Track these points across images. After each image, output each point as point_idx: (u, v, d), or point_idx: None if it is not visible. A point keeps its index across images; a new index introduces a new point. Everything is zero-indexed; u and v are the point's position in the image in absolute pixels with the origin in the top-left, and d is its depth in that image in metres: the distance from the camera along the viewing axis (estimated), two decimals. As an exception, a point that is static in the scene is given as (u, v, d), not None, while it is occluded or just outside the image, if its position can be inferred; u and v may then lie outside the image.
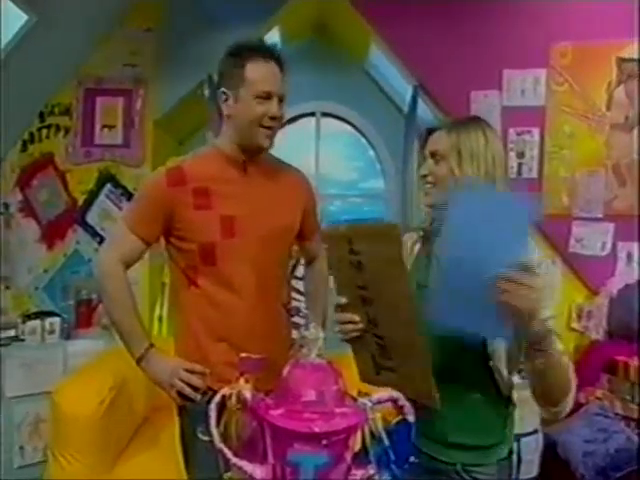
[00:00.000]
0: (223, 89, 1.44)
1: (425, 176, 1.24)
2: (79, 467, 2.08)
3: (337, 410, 0.83)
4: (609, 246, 3.22)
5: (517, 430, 2.57)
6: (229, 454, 0.87)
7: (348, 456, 0.84)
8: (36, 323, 2.86)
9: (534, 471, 2.77)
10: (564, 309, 3.30)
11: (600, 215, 3.20)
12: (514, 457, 2.54)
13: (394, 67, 3.38)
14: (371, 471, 0.88)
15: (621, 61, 3.07)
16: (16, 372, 2.69)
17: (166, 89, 3.36)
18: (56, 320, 2.94)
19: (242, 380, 0.92)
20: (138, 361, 1.38)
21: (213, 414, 0.88)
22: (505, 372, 1.18)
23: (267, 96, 1.38)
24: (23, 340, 2.82)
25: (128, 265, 1.43)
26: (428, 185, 1.24)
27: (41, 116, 3.44)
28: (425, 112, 3.45)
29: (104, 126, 3.39)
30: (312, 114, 4.06)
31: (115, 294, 1.40)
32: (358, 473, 0.88)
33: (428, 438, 1.19)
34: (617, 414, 2.80)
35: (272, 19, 3.29)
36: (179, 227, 1.41)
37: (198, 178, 1.41)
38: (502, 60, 3.16)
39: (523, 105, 3.19)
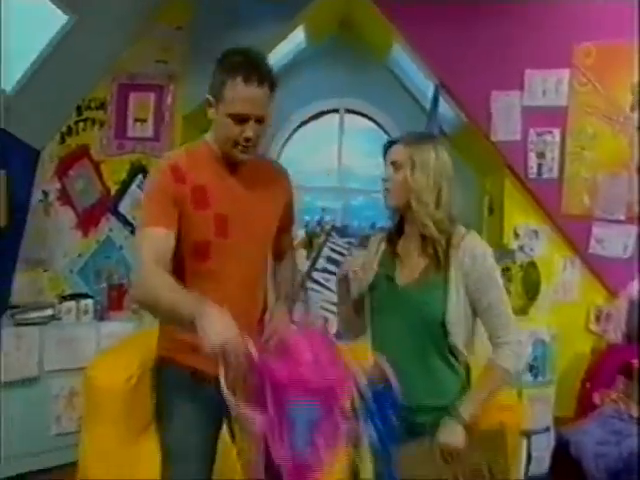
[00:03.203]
0: (208, 95, 1.45)
1: (385, 181, 1.45)
2: (108, 435, 2.23)
3: (329, 370, 0.96)
4: (630, 249, 3.22)
5: (528, 427, 2.66)
6: (236, 402, 0.99)
7: (337, 411, 0.97)
8: (72, 304, 3.07)
9: (545, 467, 2.81)
10: (582, 310, 3.32)
11: (622, 217, 3.21)
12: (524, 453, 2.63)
13: (416, 66, 3.44)
14: (358, 426, 1.02)
15: (649, 62, 3.05)
16: (54, 348, 2.90)
17: (195, 85, 3.49)
18: (90, 302, 3.15)
19: (249, 342, 1.06)
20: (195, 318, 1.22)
21: (222, 369, 1.01)
22: (461, 346, 1.39)
23: (242, 119, 1.37)
24: (60, 319, 3.02)
25: (165, 262, 1.35)
26: (387, 189, 1.44)
27: (78, 110, 3.63)
28: (446, 110, 3.50)
29: (136, 120, 3.56)
30: (336, 110, 4.16)
31: (161, 283, 1.29)
32: (346, 427, 1.00)
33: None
34: (632, 417, 2.80)
35: (297, 17, 3.39)
36: (181, 224, 1.42)
37: (196, 177, 1.43)
38: (523, 60, 3.19)
39: (544, 105, 3.22)
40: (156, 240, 1.35)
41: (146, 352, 2.38)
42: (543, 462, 2.79)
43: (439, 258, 1.37)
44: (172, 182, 1.40)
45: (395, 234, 1.49)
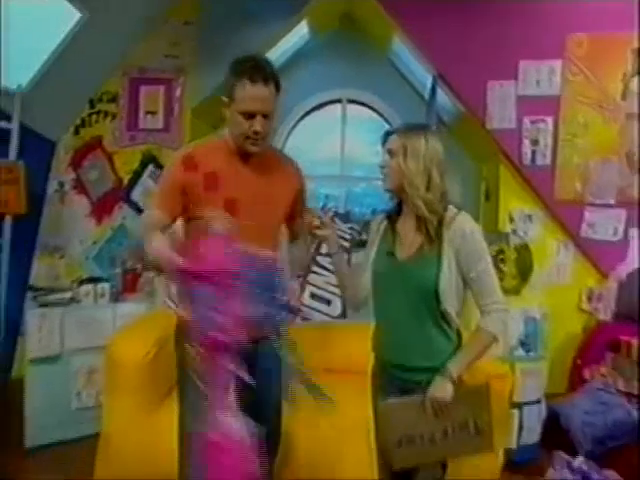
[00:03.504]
0: (223, 96, 1.65)
1: (382, 167, 1.61)
2: (128, 406, 2.41)
3: (229, 260, 1.29)
4: (621, 232, 3.35)
5: (520, 399, 2.82)
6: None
7: (238, 295, 1.27)
8: (89, 287, 3.23)
9: (535, 438, 2.95)
10: (575, 291, 3.46)
11: (612, 202, 3.33)
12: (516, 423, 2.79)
13: (415, 58, 3.55)
14: (262, 309, 1.27)
15: (638, 52, 3.15)
16: (74, 328, 3.05)
17: (203, 78, 3.62)
18: (106, 285, 3.31)
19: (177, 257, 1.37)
20: None
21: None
22: (453, 314, 1.55)
23: (251, 115, 1.57)
24: (79, 301, 3.18)
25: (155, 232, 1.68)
26: (384, 174, 1.61)
27: (91, 103, 3.77)
28: (444, 100, 3.62)
29: (147, 112, 3.70)
30: (338, 100, 4.27)
31: (149, 241, 1.58)
32: (249, 309, 1.28)
33: (399, 366, 1.58)
34: (619, 390, 2.96)
35: (301, 12, 3.51)
36: (192, 207, 1.66)
37: (207, 165, 1.64)
38: (518, 51, 3.29)
39: (538, 94, 3.32)
40: (151, 218, 1.69)
41: (160, 329, 2.57)
42: (534, 432, 2.93)
43: (431, 235, 1.53)
44: (182, 172, 1.65)
45: (395, 214, 1.65)
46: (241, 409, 1.61)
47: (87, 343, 3.07)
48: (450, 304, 1.52)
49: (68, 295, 3.18)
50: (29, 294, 3.31)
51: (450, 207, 1.56)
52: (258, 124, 1.58)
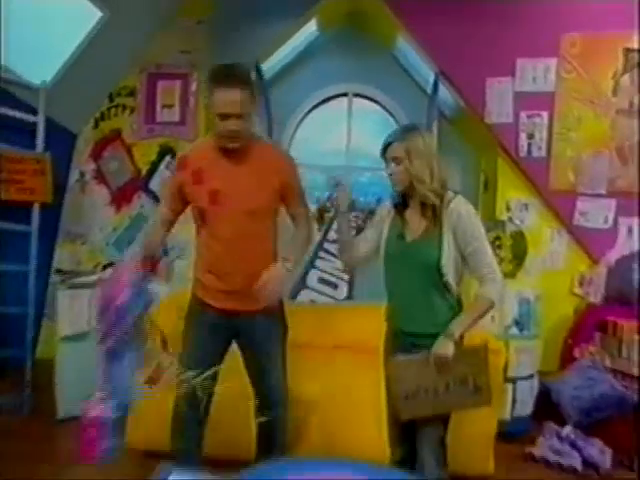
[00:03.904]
0: (207, 101, 1.91)
1: (391, 175, 1.79)
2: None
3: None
4: (611, 220, 3.55)
5: (514, 374, 3.04)
6: None
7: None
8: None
9: (528, 410, 3.18)
10: (568, 276, 3.66)
11: (603, 192, 3.52)
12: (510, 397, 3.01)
13: (418, 55, 3.73)
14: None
15: (627, 51, 3.34)
16: None
17: (217, 74, 3.82)
18: (128, 269, 3.53)
19: None
20: None
21: None
22: (454, 285, 1.76)
23: (226, 116, 1.77)
24: None
25: (164, 226, 2.04)
26: (393, 180, 1.79)
27: (110, 97, 3.97)
28: (446, 95, 3.81)
29: (164, 106, 3.90)
30: (345, 94, 4.43)
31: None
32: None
33: (409, 333, 1.80)
34: (606, 367, 3.16)
35: (311, 10, 3.69)
36: (188, 198, 1.94)
37: (195, 163, 1.90)
38: (515, 49, 3.47)
39: (534, 91, 3.51)
40: (158, 213, 2.09)
41: (180, 310, 2.79)
42: (527, 405, 3.17)
43: (435, 218, 1.75)
44: (177, 172, 1.96)
45: (401, 206, 1.86)
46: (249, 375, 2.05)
47: (113, 322, 3.30)
48: (451, 276, 1.73)
49: (94, 278, 3.39)
50: (57, 277, 3.53)
51: (448, 192, 1.78)
52: (232, 124, 1.79)
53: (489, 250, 1.75)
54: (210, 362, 1.94)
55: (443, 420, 1.79)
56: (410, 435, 1.83)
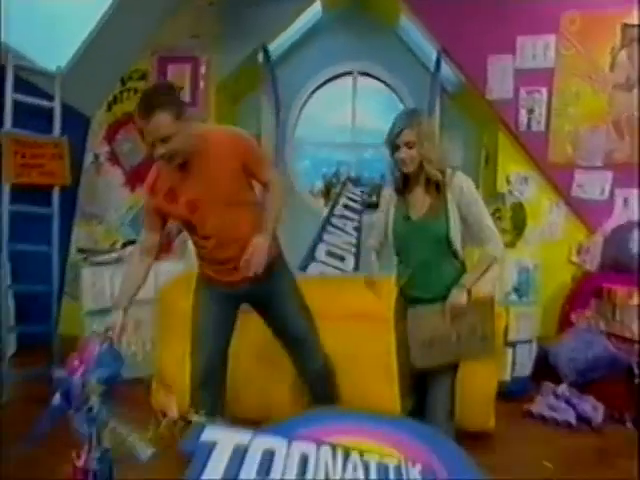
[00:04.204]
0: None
1: (404, 159, 1.88)
2: (176, 346, 2.72)
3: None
4: (607, 192, 3.69)
5: (514, 338, 3.23)
6: None
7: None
8: (132, 248, 3.60)
9: (527, 372, 3.38)
10: (566, 246, 3.83)
11: (600, 164, 3.66)
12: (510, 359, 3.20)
13: (421, 33, 3.82)
14: None
15: (625, 26, 3.43)
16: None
17: (225, 56, 3.92)
18: (146, 247, 3.69)
19: None
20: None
21: None
22: (461, 251, 1.95)
23: (152, 144, 1.80)
24: (125, 261, 3.51)
25: (148, 249, 2.11)
26: (406, 163, 1.89)
27: (122, 81, 4.09)
28: (448, 72, 3.91)
29: (175, 88, 4.01)
30: (350, 73, 4.55)
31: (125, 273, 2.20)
32: None
33: (423, 299, 1.97)
34: (601, 331, 3.35)
35: (315, -9, 3.78)
36: (168, 216, 2.04)
37: (163, 185, 1.97)
38: (516, 27, 3.56)
39: (534, 67, 3.61)
40: (141, 239, 2.15)
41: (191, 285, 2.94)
42: (526, 367, 3.37)
43: (439, 194, 1.91)
44: (150, 199, 2.03)
45: (402, 188, 2.01)
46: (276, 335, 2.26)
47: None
48: (458, 244, 1.92)
49: (115, 255, 3.57)
50: (80, 256, 3.70)
51: (449, 170, 1.93)
52: (159, 149, 1.80)
53: (487, 215, 1.93)
54: (220, 330, 2.16)
55: (452, 376, 1.98)
56: (419, 388, 2.03)
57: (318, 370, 2.29)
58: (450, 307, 1.89)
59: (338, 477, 1.37)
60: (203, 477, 1.35)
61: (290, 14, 3.85)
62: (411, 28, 3.97)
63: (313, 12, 4.06)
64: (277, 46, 4.12)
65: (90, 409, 1.72)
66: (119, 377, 1.80)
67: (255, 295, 2.16)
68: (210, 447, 1.48)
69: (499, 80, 3.65)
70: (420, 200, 1.95)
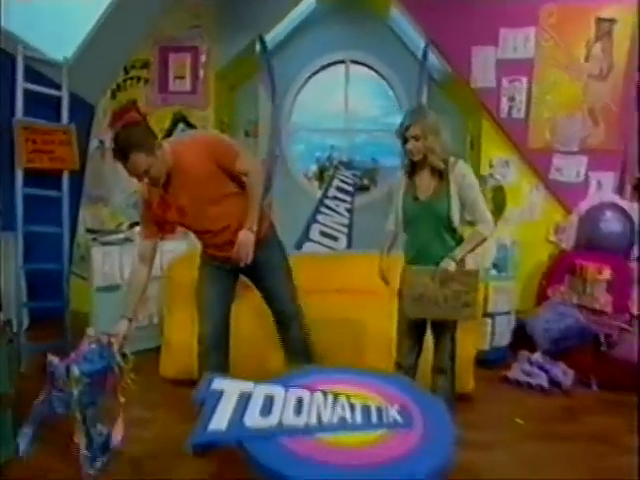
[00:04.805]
0: None
1: (411, 151, 2.19)
2: (183, 317, 3.00)
3: None
4: (583, 175, 3.94)
5: (493, 310, 3.50)
6: None
7: None
8: (139, 228, 3.81)
9: (505, 342, 3.68)
10: (544, 226, 4.08)
11: (576, 149, 3.89)
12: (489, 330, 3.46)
13: (410, 24, 4.01)
14: None
15: (599, 20, 3.64)
16: (129, 262, 3.55)
17: (224, 45, 4.10)
18: (152, 227, 3.89)
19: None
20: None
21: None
22: (459, 228, 2.25)
23: (137, 177, 2.10)
24: (132, 240, 3.75)
25: (146, 256, 2.36)
26: (414, 153, 2.19)
27: (125, 70, 4.27)
28: (435, 62, 4.12)
29: (176, 77, 4.20)
30: (342, 62, 4.73)
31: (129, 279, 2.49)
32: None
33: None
34: (573, 303, 3.60)
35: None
36: (164, 221, 2.31)
37: (155, 197, 2.23)
38: (498, 20, 3.76)
39: (515, 58, 3.82)
40: (140, 247, 2.40)
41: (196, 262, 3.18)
42: (504, 337, 3.65)
43: (442, 180, 2.21)
44: (146, 210, 2.30)
45: (411, 172, 2.29)
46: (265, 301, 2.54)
47: (140, 274, 3.72)
48: (457, 223, 2.22)
49: (122, 236, 3.80)
50: (89, 236, 3.92)
51: (452, 158, 2.23)
52: (142, 180, 2.12)
53: (482, 199, 2.24)
54: (222, 300, 2.46)
55: (452, 329, 2.33)
56: (417, 347, 2.41)
57: (298, 346, 2.56)
58: (439, 272, 2.18)
59: (328, 416, 1.65)
60: (214, 417, 1.63)
61: (286, 6, 4.03)
62: (401, 19, 4.16)
63: (307, 4, 4.23)
64: (273, 36, 4.29)
65: (71, 394, 2.08)
66: (106, 372, 2.16)
67: (250, 267, 2.40)
68: (218, 395, 1.76)
69: (482, 70, 3.86)
70: (426, 183, 2.25)
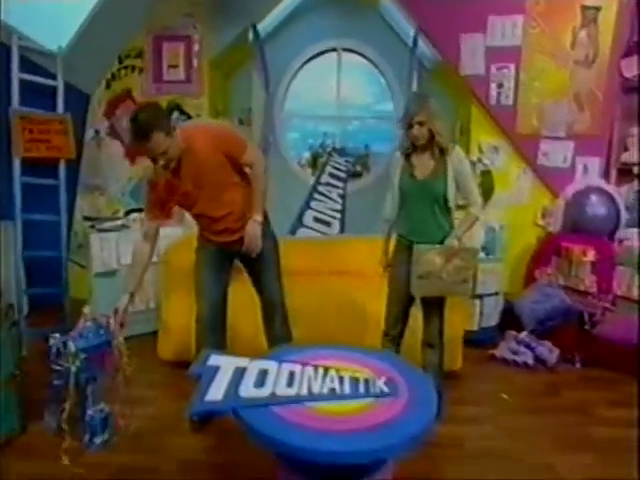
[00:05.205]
0: None
1: (416, 135, 2.32)
2: (180, 300, 3.06)
3: None
4: (569, 159, 4.02)
5: (481, 292, 3.60)
6: None
7: None
8: (136, 215, 3.89)
9: (493, 322, 3.80)
10: (532, 210, 4.17)
11: (563, 135, 3.97)
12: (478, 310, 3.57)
13: (400, 12, 4.07)
14: None
15: (584, 8, 3.70)
16: (126, 248, 3.67)
17: (217, 34, 4.15)
18: (149, 214, 3.96)
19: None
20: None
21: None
22: (454, 209, 2.43)
23: (154, 159, 2.16)
24: (129, 227, 3.85)
25: (150, 235, 2.43)
26: (418, 137, 2.33)
27: (120, 59, 4.31)
28: (425, 49, 4.18)
29: (170, 66, 4.25)
30: (334, 49, 4.79)
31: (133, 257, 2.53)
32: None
33: (417, 242, 2.40)
34: (559, 285, 3.72)
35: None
36: (169, 204, 2.40)
37: (160, 182, 2.29)
38: (486, 8, 3.82)
39: (503, 45, 3.88)
40: (144, 226, 2.46)
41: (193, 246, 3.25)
42: (492, 317, 3.77)
43: (441, 160, 2.34)
44: (152, 193, 2.36)
45: (410, 153, 2.43)
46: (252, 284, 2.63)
47: (138, 259, 3.79)
48: (452, 203, 2.38)
49: (119, 223, 3.87)
50: (87, 223, 3.99)
51: (450, 143, 2.38)
52: (159, 161, 2.16)
53: (474, 183, 2.43)
54: (219, 281, 2.54)
55: (442, 306, 2.48)
56: (403, 318, 2.56)
57: (279, 337, 2.63)
58: (446, 249, 2.33)
59: (318, 387, 1.75)
60: (210, 389, 1.72)
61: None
62: (391, 7, 4.21)
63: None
64: (266, 25, 4.34)
65: (68, 369, 2.21)
66: (101, 349, 2.30)
67: (243, 253, 2.51)
68: (215, 369, 1.86)
69: (471, 57, 3.92)
70: (425, 164, 2.39)
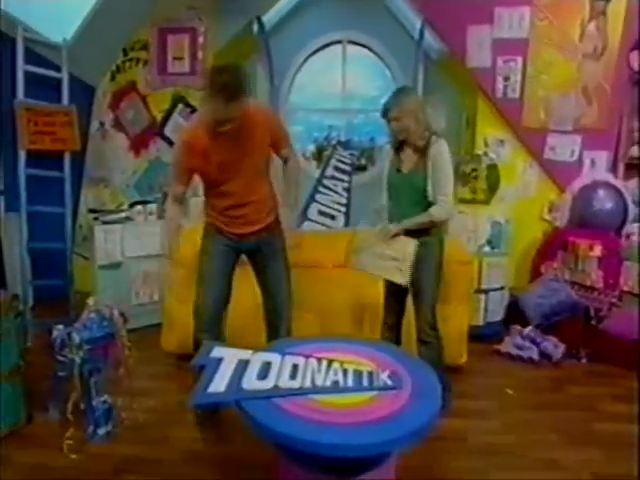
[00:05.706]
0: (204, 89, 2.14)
1: (395, 130, 2.36)
2: (183, 294, 2.97)
3: None
4: (576, 154, 3.98)
5: (486, 286, 3.59)
6: None
7: None
8: (140, 208, 3.91)
9: (498, 317, 3.78)
10: (538, 204, 4.13)
11: (570, 128, 3.93)
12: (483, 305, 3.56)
13: (406, 4, 4.03)
14: None
15: (593, 0, 3.66)
16: (131, 241, 3.76)
17: (222, 26, 4.12)
18: (154, 206, 3.97)
19: None
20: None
21: None
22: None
23: (225, 121, 2.10)
24: (133, 220, 3.87)
25: (179, 201, 2.42)
26: (396, 132, 2.36)
27: (124, 51, 4.30)
28: (431, 41, 4.14)
29: (174, 58, 4.22)
30: (339, 42, 4.76)
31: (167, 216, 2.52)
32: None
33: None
34: (565, 280, 3.70)
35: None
36: (199, 173, 2.34)
37: (199, 146, 2.21)
38: (493, -1, 3.78)
39: (510, 37, 3.83)
40: (172, 190, 2.42)
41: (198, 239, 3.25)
42: (497, 312, 3.75)
43: (422, 156, 2.36)
44: (184, 156, 2.30)
45: (398, 147, 2.46)
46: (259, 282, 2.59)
47: (141, 252, 3.80)
48: (432, 196, 2.38)
49: (124, 215, 3.88)
50: (91, 216, 4.00)
51: (434, 137, 2.35)
52: (226, 125, 2.11)
53: (450, 184, 2.37)
54: (223, 275, 2.47)
55: (432, 312, 2.48)
56: (398, 307, 2.62)
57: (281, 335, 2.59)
58: (381, 232, 2.46)
59: (321, 380, 1.75)
60: (214, 380, 1.72)
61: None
62: (397, -1, 4.18)
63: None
64: (271, 17, 4.32)
65: (72, 360, 2.22)
66: (105, 340, 2.32)
67: (253, 249, 2.49)
68: (218, 361, 1.85)
69: (478, 49, 3.87)
70: (409, 158, 2.43)
